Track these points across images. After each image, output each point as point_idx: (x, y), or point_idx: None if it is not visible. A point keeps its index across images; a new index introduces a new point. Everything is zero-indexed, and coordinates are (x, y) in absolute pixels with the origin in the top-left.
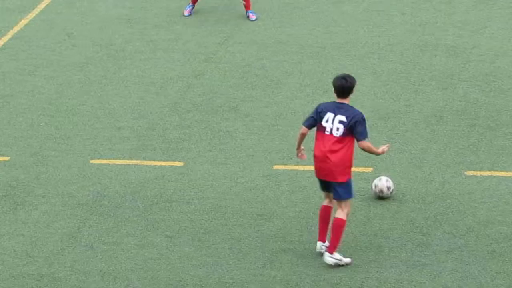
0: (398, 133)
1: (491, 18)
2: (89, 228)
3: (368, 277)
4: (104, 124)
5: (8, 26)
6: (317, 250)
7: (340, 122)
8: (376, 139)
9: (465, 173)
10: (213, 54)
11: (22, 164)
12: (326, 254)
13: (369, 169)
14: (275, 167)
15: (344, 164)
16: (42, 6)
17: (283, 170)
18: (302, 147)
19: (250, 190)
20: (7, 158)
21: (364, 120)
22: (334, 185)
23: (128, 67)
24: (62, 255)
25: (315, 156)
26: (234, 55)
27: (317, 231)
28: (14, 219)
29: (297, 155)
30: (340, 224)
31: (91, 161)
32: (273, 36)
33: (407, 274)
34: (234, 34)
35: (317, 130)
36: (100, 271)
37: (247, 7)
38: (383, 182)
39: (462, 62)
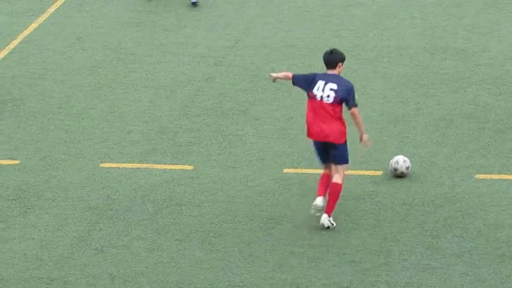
0: (408, 137)
1: (500, 21)
2: (99, 231)
3: (378, 281)
4: (114, 128)
5: (18, 29)
6: (316, 203)
7: (332, 89)
8: (386, 142)
9: (475, 176)
10: (222, 57)
11: (32, 168)
12: (325, 216)
13: (379, 173)
14: (285, 170)
15: (339, 128)
16: (52, 9)
17: (293, 173)
18: (274, 75)
19: (260, 193)
20: (17, 162)
21: (353, 89)
22: (332, 148)
23: (137, 70)
24: (72, 259)
25: (308, 123)
26: (244, 58)
27: (325, 233)
28: (24, 223)
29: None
30: (338, 190)
31: (101, 165)
32: (283, 39)
33: (417, 277)
34: (243, 37)
35: (308, 98)
36: (110, 274)
37: None
38: (401, 164)
39: (472, 66)
